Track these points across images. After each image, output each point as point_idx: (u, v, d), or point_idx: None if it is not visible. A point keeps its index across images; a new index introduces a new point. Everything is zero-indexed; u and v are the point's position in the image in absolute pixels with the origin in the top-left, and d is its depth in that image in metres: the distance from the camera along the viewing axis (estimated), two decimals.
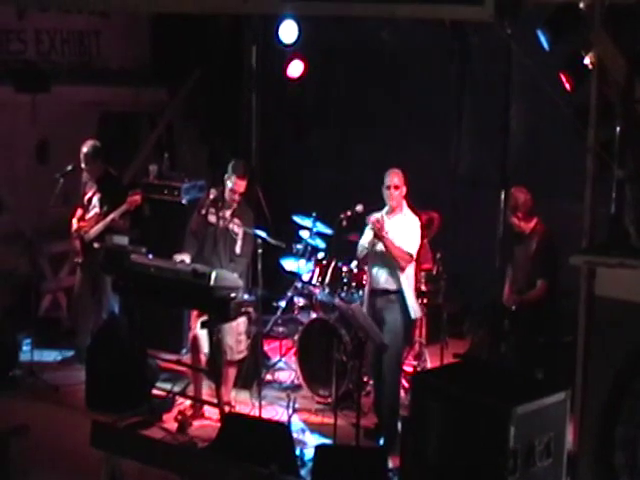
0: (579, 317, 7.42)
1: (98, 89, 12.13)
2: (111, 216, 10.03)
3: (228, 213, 9.14)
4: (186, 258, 9.03)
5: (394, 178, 8.72)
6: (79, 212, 10.36)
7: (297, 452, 8.00)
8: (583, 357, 7.28)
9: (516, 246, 9.14)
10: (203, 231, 9.22)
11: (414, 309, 8.78)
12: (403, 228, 8.71)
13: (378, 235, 8.60)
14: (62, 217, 10.52)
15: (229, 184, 9.11)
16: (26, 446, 7.42)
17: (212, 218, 9.18)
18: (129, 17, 12.69)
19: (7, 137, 11.43)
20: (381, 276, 8.75)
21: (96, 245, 10.05)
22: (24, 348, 10.38)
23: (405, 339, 8.91)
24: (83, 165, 10.22)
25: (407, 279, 8.72)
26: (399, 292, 8.67)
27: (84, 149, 10.19)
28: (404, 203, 8.81)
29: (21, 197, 11.32)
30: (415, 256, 8.77)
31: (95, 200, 10.26)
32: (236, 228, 9.08)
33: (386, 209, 8.83)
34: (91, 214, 10.27)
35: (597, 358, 7.04)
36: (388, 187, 8.72)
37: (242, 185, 9.12)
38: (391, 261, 8.64)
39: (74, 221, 10.32)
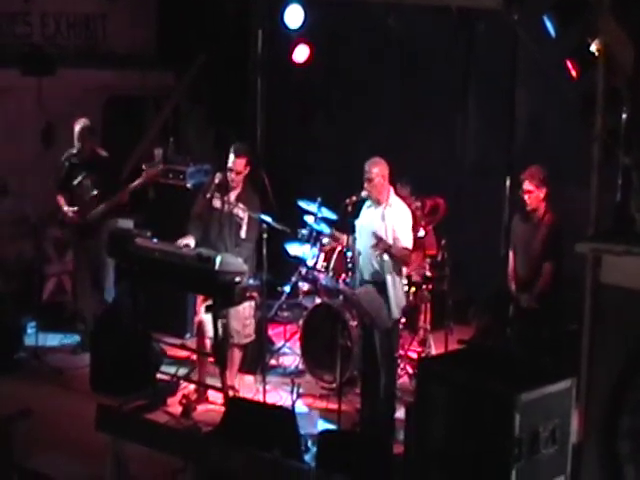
0: (584, 305, 7.40)
1: (104, 73, 12.12)
2: (126, 190, 9.99)
3: (233, 197, 9.12)
4: (190, 242, 9.03)
5: (370, 170, 8.48)
6: (62, 199, 10.25)
7: (301, 437, 8.00)
8: (588, 345, 7.27)
9: (522, 225, 9.02)
10: (208, 215, 9.21)
11: (398, 306, 8.54)
12: (392, 222, 8.48)
13: (386, 252, 8.50)
14: None
15: (229, 164, 9.11)
16: (30, 429, 7.42)
17: (217, 203, 9.16)
18: (135, 1, 12.69)
19: (13, 120, 11.43)
20: (367, 269, 8.61)
21: (95, 226, 10.04)
22: (29, 331, 10.40)
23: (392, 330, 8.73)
24: (79, 143, 10.14)
25: (396, 274, 8.49)
26: (384, 284, 8.49)
27: (79, 125, 10.13)
28: (390, 192, 8.60)
29: (26, 181, 11.32)
30: (411, 247, 8.61)
31: (87, 183, 10.20)
32: (241, 212, 9.06)
33: (369, 201, 8.72)
34: (87, 197, 10.21)
35: (602, 346, 7.04)
36: (364, 180, 8.54)
37: (240, 164, 9.08)
38: (375, 255, 8.51)
39: (66, 209, 10.21)
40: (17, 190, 11.41)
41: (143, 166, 10.13)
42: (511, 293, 8.99)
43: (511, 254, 9.12)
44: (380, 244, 8.39)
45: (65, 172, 10.24)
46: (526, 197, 8.84)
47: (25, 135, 11.64)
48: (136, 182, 10.02)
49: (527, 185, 8.81)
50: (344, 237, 8.98)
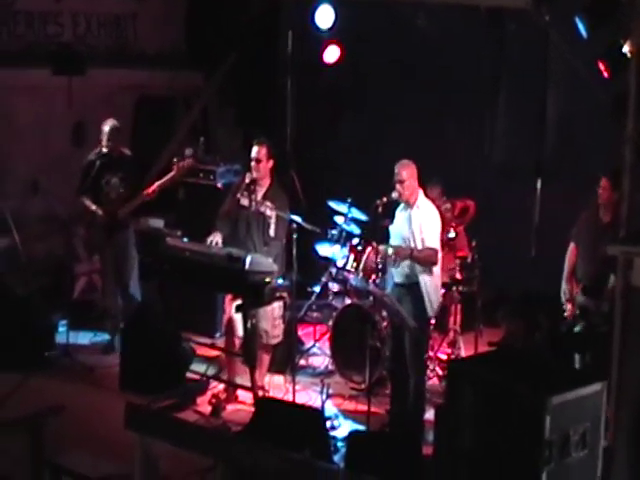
0: (615, 308, 7.36)
1: (134, 72, 12.21)
2: (157, 184, 10.00)
3: (260, 196, 9.13)
4: (218, 238, 9.02)
5: (400, 172, 8.47)
6: (88, 200, 10.22)
7: (330, 438, 8.01)
8: (619, 348, 7.23)
9: (590, 221, 8.82)
10: (236, 214, 9.22)
11: (431, 306, 8.51)
12: (419, 223, 8.46)
13: (408, 258, 8.49)
14: None
15: (251, 155, 9.15)
16: (60, 426, 7.44)
17: (245, 201, 9.16)
18: (165, 1, 12.74)
19: (44, 120, 11.53)
20: (399, 272, 8.59)
21: (125, 224, 10.10)
22: (60, 329, 10.46)
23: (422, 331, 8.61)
24: (108, 141, 10.11)
25: (428, 274, 8.46)
26: (417, 285, 8.48)
27: (109, 125, 10.13)
28: (419, 194, 8.57)
29: (57, 179, 11.38)
30: (439, 249, 8.55)
31: (115, 181, 10.23)
32: (268, 211, 9.06)
33: (402, 204, 8.71)
34: (114, 195, 10.25)
35: (633, 349, 7.00)
36: (395, 182, 8.54)
37: (261, 152, 9.08)
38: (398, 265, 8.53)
39: (94, 208, 10.19)
40: (47, 188, 11.47)
41: (174, 159, 10.13)
42: (568, 291, 8.85)
43: (573, 248, 8.95)
44: (399, 255, 8.43)
45: (95, 172, 10.26)
46: (600, 192, 8.68)
47: (55, 134, 11.73)
48: (168, 176, 10.03)
49: (604, 182, 8.64)
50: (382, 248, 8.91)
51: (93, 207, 10.21)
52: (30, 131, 11.45)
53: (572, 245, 8.97)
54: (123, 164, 10.27)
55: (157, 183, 10.05)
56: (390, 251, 8.52)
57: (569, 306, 8.83)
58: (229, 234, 9.16)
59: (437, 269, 8.60)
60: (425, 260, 8.44)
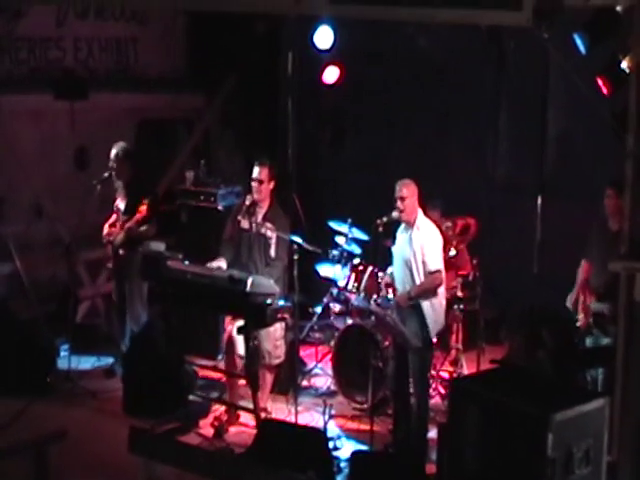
0: (618, 323, 7.35)
1: (135, 96, 12.25)
2: (127, 225, 9.98)
3: (260, 217, 9.13)
4: (222, 264, 9.04)
5: (401, 189, 8.48)
6: (112, 218, 10.31)
7: (333, 458, 7.98)
8: (622, 362, 7.21)
9: (600, 233, 8.71)
10: (238, 237, 9.23)
11: (435, 327, 8.51)
12: (420, 245, 8.44)
13: (414, 298, 8.48)
14: (99, 224, 10.53)
15: (252, 176, 9.14)
16: (63, 451, 7.45)
17: (245, 224, 9.17)
18: (166, 24, 12.78)
19: (46, 144, 11.54)
20: (399, 291, 8.66)
21: (121, 252, 10.08)
22: (62, 354, 10.44)
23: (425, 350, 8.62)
24: (113, 166, 10.10)
25: (430, 298, 8.46)
26: (420, 306, 8.49)
27: (114, 150, 10.13)
28: (419, 214, 8.58)
29: (60, 203, 11.40)
30: (442, 268, 8.56)
31: (122, 206, 10.26)
32: (269, 232, 9.07)
33: (402, 225, 8.69)
34: (119, 220, 10.24)
35: (636, 363, 6.98)
36: (395, 200, 8.54)
37: (262, 172, 9.10)
38: (407, 279, 8.53)
39: (106, 227, 10.25)
40: (51, 212, 11.49)
41: (145, 200, 10.02)
42: (581, 301, 8.74)
43: (585, 264, 8.85)
44: (402, 303, 8.48)
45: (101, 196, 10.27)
46: (606, 201, 8.62)
47: (58, 158, 11.75)
48: (133, 219, 9.90)
49: (609, 191, 8.57)
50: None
51: (105, 225, 10.24)
52: (33, 155, 11.47)
53: (584, 262, 8.91)
54: (131, 189, 10.24)
55: (127, 225, 9.97)
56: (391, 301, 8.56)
57: (582, 316, 8.77)
58: (232, 257, 9.17)
59: (441, 289, 8.59)
60: (428, 291, 8.46)
